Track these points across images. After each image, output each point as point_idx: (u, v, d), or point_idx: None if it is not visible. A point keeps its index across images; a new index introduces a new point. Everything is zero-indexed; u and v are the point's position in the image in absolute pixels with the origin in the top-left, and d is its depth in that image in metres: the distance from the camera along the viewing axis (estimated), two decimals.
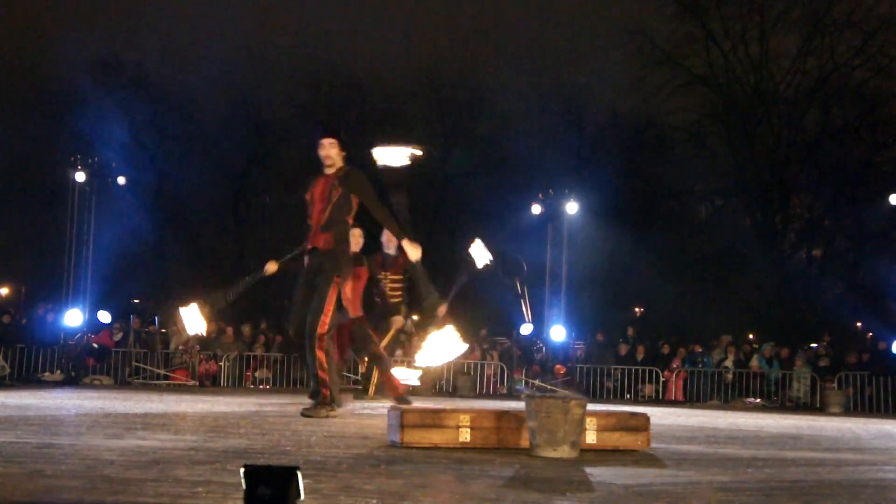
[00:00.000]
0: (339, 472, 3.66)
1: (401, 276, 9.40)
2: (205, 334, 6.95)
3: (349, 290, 8.20)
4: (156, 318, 15.99)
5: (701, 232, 28.06)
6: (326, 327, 6.67)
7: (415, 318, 20.63)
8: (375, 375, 9.69)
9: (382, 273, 9.29)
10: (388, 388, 9.03)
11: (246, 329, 16.57)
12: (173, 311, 7.24)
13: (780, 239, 25.86)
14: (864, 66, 24.99)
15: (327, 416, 6.62)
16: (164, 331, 16.00)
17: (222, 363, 15.38)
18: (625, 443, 5.04)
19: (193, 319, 6.98)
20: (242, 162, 27.95)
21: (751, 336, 21.05)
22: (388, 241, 9.14)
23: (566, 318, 17.69)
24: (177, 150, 27.70)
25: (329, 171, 6.79)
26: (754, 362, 16.22)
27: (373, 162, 6.97)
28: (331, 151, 6.78)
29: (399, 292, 9.43)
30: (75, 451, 4.02)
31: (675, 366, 16.23)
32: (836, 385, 15.27)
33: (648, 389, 15.99)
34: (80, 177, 16.35)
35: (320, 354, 6.66)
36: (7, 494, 2.82)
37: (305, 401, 7.39)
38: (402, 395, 8.68)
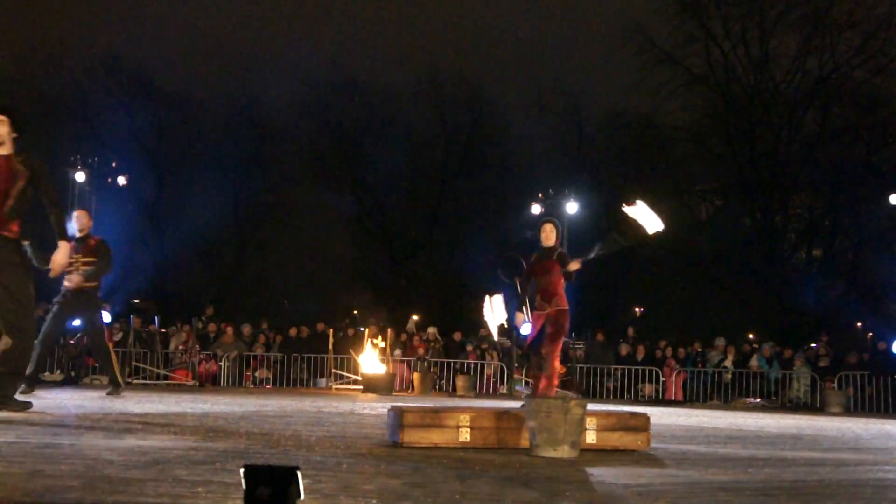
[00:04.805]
0: (339, 472, 3.66)
1: (93, 258, 9.29)
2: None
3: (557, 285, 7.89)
4: (156, 318, 15.99)
5: (701, 232, 28.05)
6: None
7: (415, 318, 20.69)
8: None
9: (74, 256, 9.19)
10: None
11: (246, 329, 16.59)
12: None
13: (780, 239, 25.85)
14: (864, 66, 25.00)
15: None
16: (163, 331, 16.00)
17: (222, 363, 15.39)
18: (625, 443, 5.04)
19: None
20: (242, 162, 27.96)
21: (751, 336, 21.06)
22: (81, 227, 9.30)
23: None
24: (177, 150, 27.72)
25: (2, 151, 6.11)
26: (754, 362, 16.21)
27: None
28: (1, 130, 6.13)
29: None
30: (75, 451, 4.01)
31: (675, 366, 16.23)
32: (836, 385, 15.27)
33: (648, 389, 15.98)
34: (80, 177, 16.37)
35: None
36: (7, 494, 2.82)
37: (306, 401, 7.39)
38: None
